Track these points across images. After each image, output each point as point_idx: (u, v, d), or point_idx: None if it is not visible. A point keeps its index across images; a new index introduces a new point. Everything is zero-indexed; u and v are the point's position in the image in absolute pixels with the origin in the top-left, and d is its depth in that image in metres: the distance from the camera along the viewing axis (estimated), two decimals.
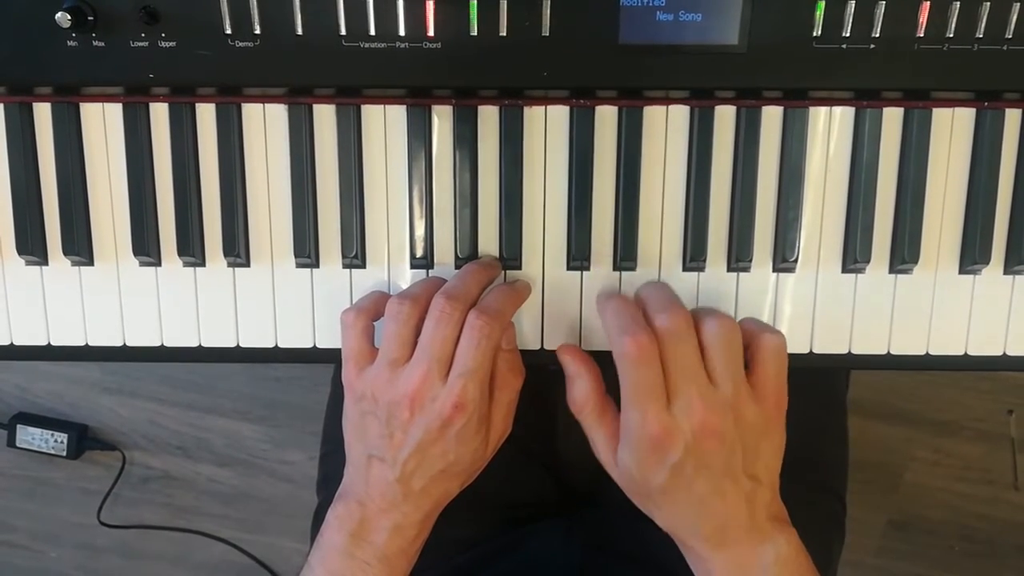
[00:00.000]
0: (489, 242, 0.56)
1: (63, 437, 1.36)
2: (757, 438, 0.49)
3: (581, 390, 0.52)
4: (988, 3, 0.50)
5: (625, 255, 0.55)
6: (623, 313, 0.50)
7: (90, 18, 0.50)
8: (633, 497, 0.52)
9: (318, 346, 0.57)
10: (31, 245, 0.55)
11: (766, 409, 0.49)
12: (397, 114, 0.55)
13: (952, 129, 0.55)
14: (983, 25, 0.51)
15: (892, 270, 0.56)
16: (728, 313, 0.50)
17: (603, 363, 0.54)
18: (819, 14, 0.51)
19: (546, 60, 0.52)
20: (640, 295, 0.53)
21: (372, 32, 0.51)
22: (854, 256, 0.55)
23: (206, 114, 0.55)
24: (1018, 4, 0.50)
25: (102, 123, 0.55)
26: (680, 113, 0.54)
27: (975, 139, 0.55)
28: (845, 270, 0.56)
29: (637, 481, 0.50)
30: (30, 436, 1.37)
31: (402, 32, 0.51)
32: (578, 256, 0.55)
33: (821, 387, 0.77)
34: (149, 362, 0.58)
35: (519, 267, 0.56)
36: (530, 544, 0.72)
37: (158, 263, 0.56)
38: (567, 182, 0.55)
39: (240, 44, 0.51)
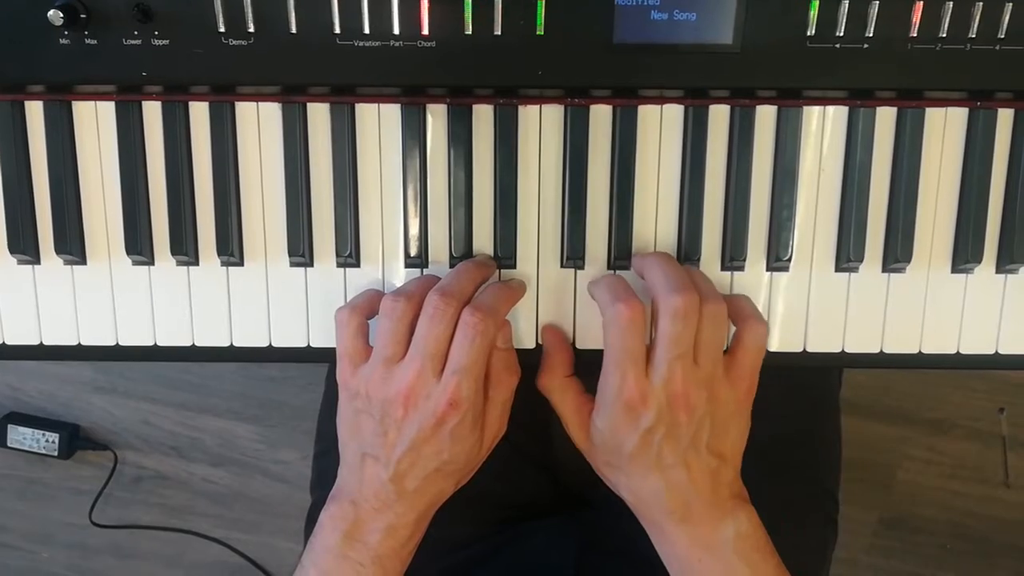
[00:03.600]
0: (484, 241, 0.56)
1: (55, 437, 1.36)
2: (726, 418, 0.51)
3: (552, 362, 0.55)
4: (981, 3, 0.51)
5: (619, 254, 0.55)
6: (615, 285, 0.52)
7: (83, 16, 0.50)
8: (602, 469, 0.54)
9: (312, 345, 0.57)
10: (23, 244, 0.55)
11: (738, 392, 0.51)
12: (391, 113, 0.54)
13: (945, 129, 0.55)
14: (976, 25, 0.51)
15: (885, 269, 0.56)
16: (721, 297, 0.51)
17: (599, 363, 0.54)
18: (813, 13, 0.51)
19: (541, 59, 0.52)
20: (655, 265, 0.52)
21: (366, 30, 0.51)
22: (847, 255, 0.55)
23: (199, 113, 0.54)
24: (1011, 4, 0.51)
25: (95, 121, 0.55)
26: (674, 112, 0.55)
27: (968, 139, 0.55)
28: (838, 269, 0.56)
29: (609, 447, 0.52)
30: (21, 436, 1.36)
31: (397, 31, 0.51)
32: (572, 255, 0.55)
33: (814, 386, 0.77)
34: (142, 361, 0.57)
35: (513, 266, 0.56)
36: (525, 544, 0.72)
37: (151, 262, 0.56)
38: (561, 181, 0.55)
39: (234, 42, 0.51)
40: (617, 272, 0.56)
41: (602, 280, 0.53)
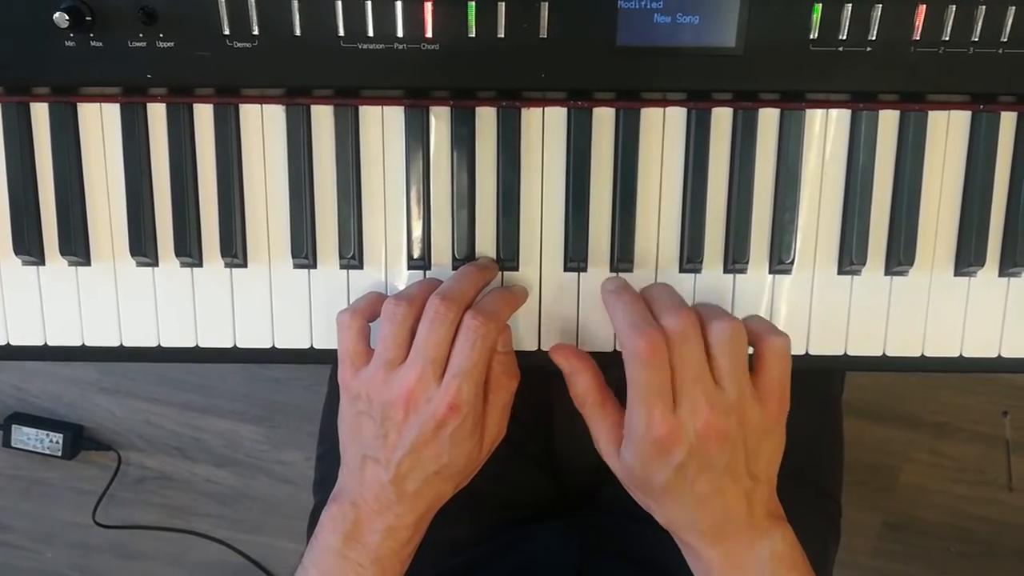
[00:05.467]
0: (486, 243, 0.56)
1: (58, 437, 1.36)
2: (759, 438, 0.50)
3: (580, 385, 0.52)
4: (984, 6, 0.51)
5: (622, 257, 0.55)
6: (634, 311, 0.50)
7: (88, 18, 0.50)
8: (633, 492, 0.53)
9: (315, 347, 0.57)
10: (28, 245, 0.55)
11: (769, 411, 0.50)
12: (395, 115, 0.55)
13: (948, 132, 0.55)
14: (979, 28, 0.51)
15: (888, 272, 0.56)
16: (732, 314, 0.50)
17: (602, 364, 0.54)
18: (816, 17, 0.51)
19: (544, 62, 0.52)
20: (646, 295, 0.53)
21: (370, 33, 0.51)
22: (850, 258, 0.55)
23: (204, 115, 0.55)
24: (1013, 8, 0.51)
25: (99, 123, 0.55)
26: (677, 115, 0.55)
27: (970, 142, 0.55)
28: (841, 272, 0.56)
29: (639, 478, 0.50)
30: (25, 436, 1.37)
31: (400, 33, 0.51)
32: (575, 257, 0.55)
33: (817, 389, 0.77)
34: (146, 362, 0.58)
35: (516, 268, 0.56)
36: (527, 545, 0.72)
37: (155, 263, 0.56)
38: (564, 183, 0.55)
39: (238, 45, 0.51)
40: (621, 275, 0.56)
41: (620, 299, 0.51)
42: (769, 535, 0.51)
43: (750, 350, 0.52)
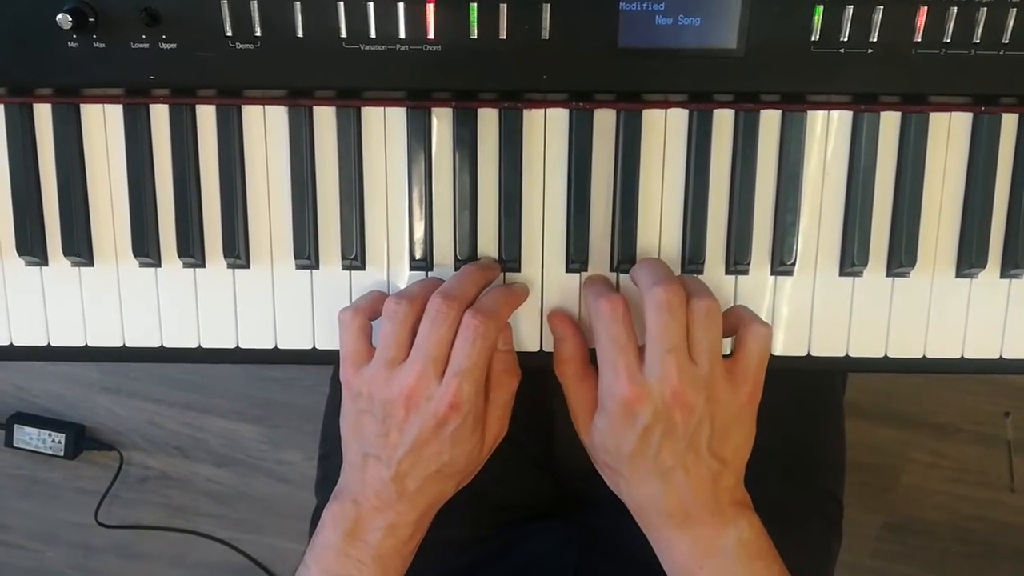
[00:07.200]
0: (488, 244, 0.56)
1: (60, 437, 1.36)
2: (727, 420, 0.50)
3: (566, 351, 0.54)
4: (985, 8, 0.51)
5: (623, 258, 0.55)
6: (597, 282, 0.53)
7: (91, 19, 0.51)
8: (603, 470, 0.54)
9: (317, 347, 0.57)
10: (31, 246, 0.55)
11: (740, 394, 0.50)
12: (397, 116, 0.55)
13: (949, 133, 0.55)
14: (980, 30, 0.51)
15: (889, 273, 0.56)
16: (712, 295, 0.51)
17: None
18: (817, 18, 0.51)
19: (546, 63, 0.52)
20: (640, 265, 0.54)
21: (372, 34, 0.51)
22: (851, 259, 0.55)
23: (206, 116, 0.55)
24: (1015, 9, 0.51)
25: (103, 124, 0.55)
26: (679, 117, 0.55)
27: (972, 143, 0.55)
28: (843, 273, 0.56)
29: (608, 448, 0.51)
30: (27, 436, 1.37)
31: (402, 35, 0.51)
32: (577, 258, 0.55)
33: (818, 389, 0.77)
34: (148, 363, 0.58)
35: (518, 269, 0.56)
36: (527, 545, 0.72)
37: (158, 264, 0.56)
38: (566, 185, 0.55)
39: (241, 46, 0.52)
40: (620, 277, 0.56)
41: (590, 283, 0.53)
42: (736, 522, 0.51)
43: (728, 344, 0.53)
